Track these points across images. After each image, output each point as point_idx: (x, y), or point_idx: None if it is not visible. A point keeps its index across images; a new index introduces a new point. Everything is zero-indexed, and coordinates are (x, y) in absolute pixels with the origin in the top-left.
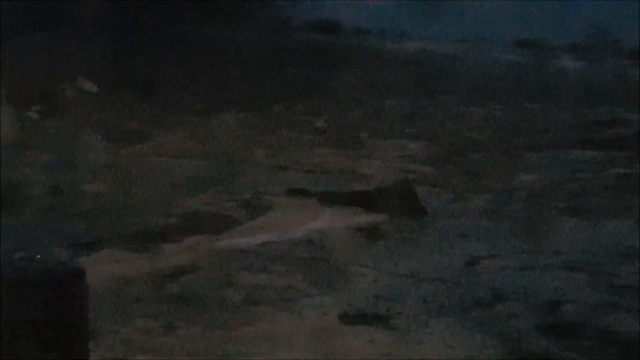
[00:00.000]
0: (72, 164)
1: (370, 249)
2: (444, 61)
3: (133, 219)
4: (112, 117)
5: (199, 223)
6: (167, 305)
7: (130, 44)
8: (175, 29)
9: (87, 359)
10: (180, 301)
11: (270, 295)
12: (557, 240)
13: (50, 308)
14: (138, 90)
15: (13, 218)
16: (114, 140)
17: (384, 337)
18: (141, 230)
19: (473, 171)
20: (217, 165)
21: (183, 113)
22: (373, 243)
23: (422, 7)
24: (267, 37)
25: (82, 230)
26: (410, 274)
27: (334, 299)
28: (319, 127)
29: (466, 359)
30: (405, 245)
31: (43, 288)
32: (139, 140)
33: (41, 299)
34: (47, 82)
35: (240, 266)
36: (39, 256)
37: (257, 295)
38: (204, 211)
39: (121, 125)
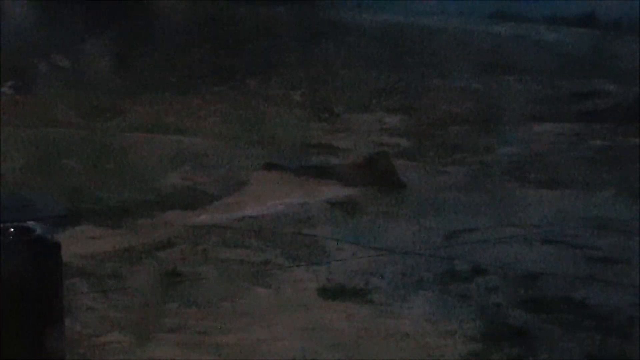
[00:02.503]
0: (47, 139)
1: (348, 223)
2: (421, 34)
3: (109, 194)
4: (86, 92)
5: (175, 198)
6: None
7: (103, 19)
8: (147, 2)
9: (63, 333)
10: (156, 277)
11: (247, 270)
12: (536, 213)
13: (25, 281)
14: (112, 65)
15: None
16: (88, 116)
17: (363, 311)
18: (117, 205)
19: (451, 144)
20: (193, 140)
21: (158, 88)
22: (351, 217)
23: None
24: (241, 9)
25: (58, 205)
26: (388, 248)
27: (312, 273)
28: (296, 100)
29: (445, 333)
30: (384, 219)
31: (18, 261)
32: (114, 115)
33: (16, 272)
34: (20, 57)
35: (217, 241)
36: (12, 229)
37: (234, 270)
38: (180, 186)
39: (96, 100)
